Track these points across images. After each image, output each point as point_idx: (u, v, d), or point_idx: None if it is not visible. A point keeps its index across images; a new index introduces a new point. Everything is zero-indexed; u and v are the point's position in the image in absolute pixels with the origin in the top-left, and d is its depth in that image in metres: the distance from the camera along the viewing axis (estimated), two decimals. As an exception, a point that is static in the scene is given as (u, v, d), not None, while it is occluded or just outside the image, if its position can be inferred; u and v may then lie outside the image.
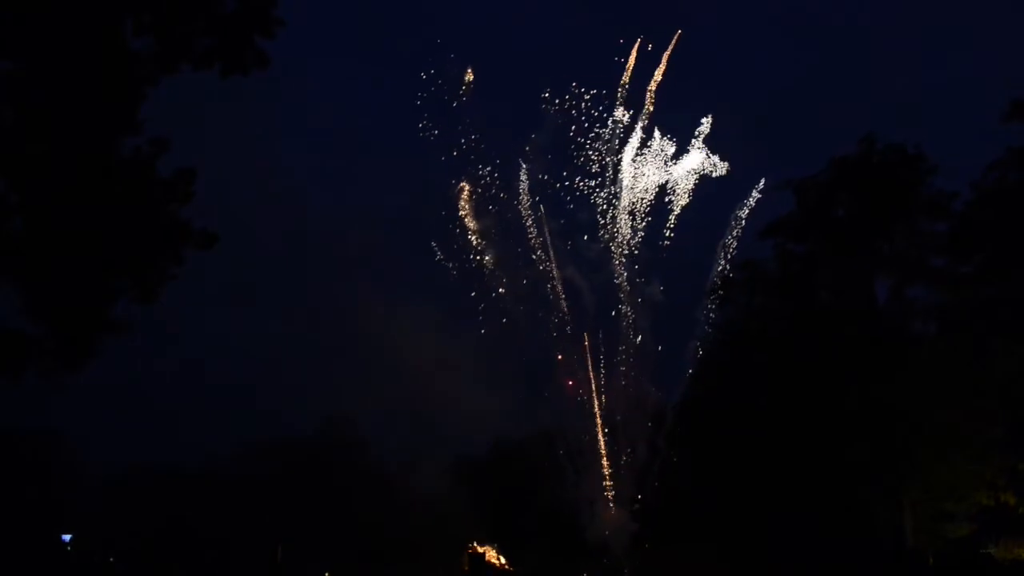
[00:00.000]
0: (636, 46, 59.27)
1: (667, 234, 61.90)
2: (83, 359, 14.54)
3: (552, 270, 65.19)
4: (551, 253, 65.23)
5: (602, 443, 66.01)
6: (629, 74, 58.76)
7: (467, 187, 62.95)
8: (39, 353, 14.31)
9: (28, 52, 12.60)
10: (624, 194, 61.67)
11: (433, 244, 63.49)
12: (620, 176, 61.48)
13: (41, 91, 12.89)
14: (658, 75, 58.12)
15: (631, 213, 62.01)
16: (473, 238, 64.27)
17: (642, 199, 61.78)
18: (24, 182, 13.23)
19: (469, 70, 60.83)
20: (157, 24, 12.48)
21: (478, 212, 65.40)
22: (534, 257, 65.63)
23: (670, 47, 59.16)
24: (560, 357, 64.99)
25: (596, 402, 65.79)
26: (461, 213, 63.37)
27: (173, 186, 13.24)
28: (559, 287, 64.87)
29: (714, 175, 58.08)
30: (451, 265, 66.68)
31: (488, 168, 63.54)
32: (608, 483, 65.27)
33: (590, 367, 65.24)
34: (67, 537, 62.18)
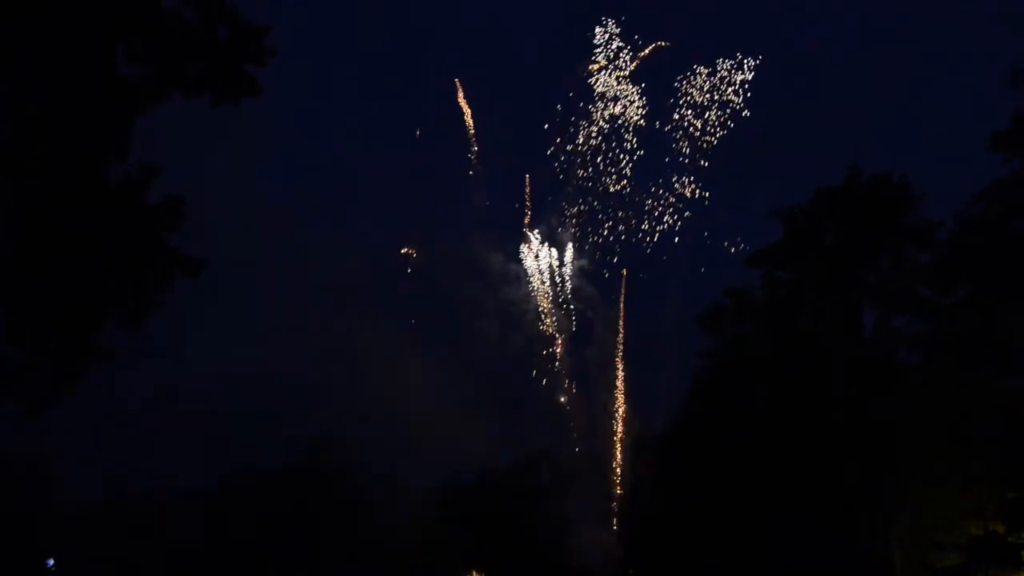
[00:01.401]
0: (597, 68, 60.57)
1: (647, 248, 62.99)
2: (68, 384, 14.41)
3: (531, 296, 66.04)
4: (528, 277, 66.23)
5: (588, 468, 65.92)
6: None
7: (412, 252, 66.00)
8: (23, 378, 14.17)
9: (19, 77, 12.63)
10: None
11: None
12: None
13: (31, 116, 12.90)
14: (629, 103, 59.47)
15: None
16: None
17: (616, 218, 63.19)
18: (11, 206, 13.19)
19: (418, 132, 64.01)
20: (149, 52, 12.56)
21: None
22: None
23: (643, 53, 60.47)
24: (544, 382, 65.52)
25: (582, 429, 65.93)
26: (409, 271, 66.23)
27: (162, 213, 13.24)
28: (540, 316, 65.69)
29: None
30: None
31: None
32: (595, 507, 65.07)
33: (571, 392, 65.58)
34: (51, 562, 61.36)
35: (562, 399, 65.88)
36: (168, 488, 67.25)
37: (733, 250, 58.07)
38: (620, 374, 65.00)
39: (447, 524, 66.45)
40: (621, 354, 64.99)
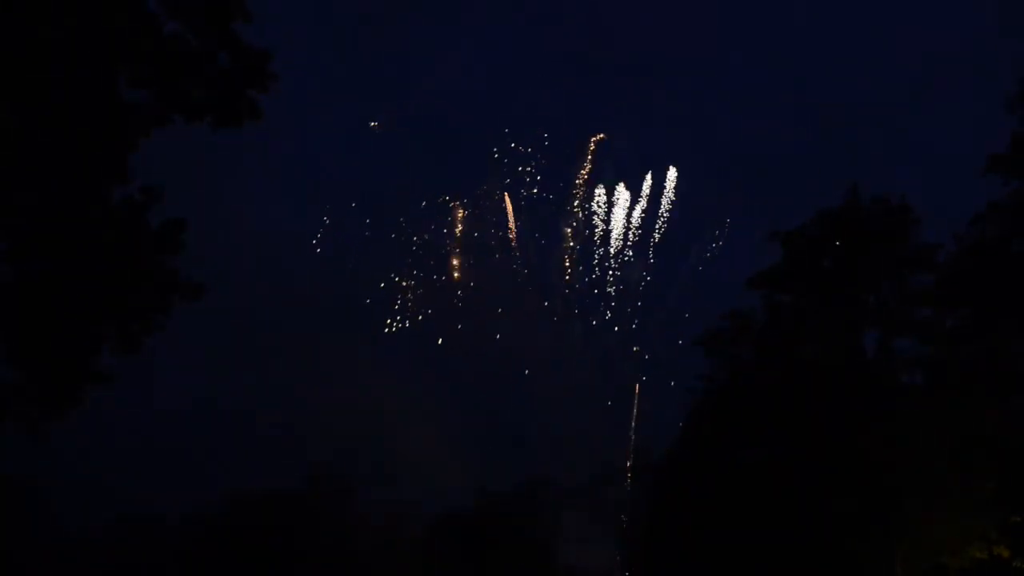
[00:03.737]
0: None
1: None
2: (65, 408, 14.36)
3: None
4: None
5: (592, 491, 65.66)
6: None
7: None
8: (20, 400, 14.14)
9: (22, 100, 12.71)
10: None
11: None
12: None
13: (33, 139, 12.98)
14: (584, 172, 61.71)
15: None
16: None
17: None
18: (12, 230, 13.23)
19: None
20: (151, 76, 12.65)
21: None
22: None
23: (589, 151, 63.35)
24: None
25: (587, 452, 65.80)
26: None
27: (163, 236, 13.27)
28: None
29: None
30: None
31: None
32: (597, 530, 64.70)
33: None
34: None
35: (567, 421, 65.94)
36: (165, 513, 66.94)
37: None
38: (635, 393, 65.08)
39: (449, 549, 66.05)
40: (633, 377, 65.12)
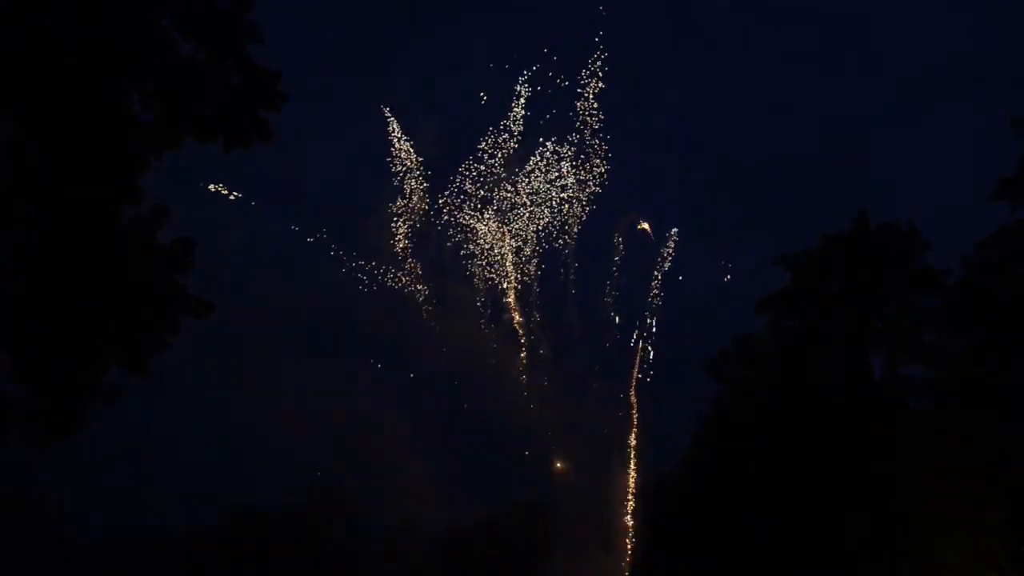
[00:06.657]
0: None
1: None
2: (71, 425, 14.33)
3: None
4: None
5: (591, 517, 65.25)
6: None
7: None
8: (25, 417, 14.11)
9: (32, 117, 12.79)
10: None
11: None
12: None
13: (42, 157, 13.04)
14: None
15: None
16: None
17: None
18: (20, 246, 13.26)
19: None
20: (164, 97, 12.73)
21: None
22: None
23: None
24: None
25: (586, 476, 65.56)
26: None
27: (172, 255, 13.30)
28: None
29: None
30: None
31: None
32: (597, 556, 64.16)
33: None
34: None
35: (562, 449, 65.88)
36: (166, 527, 66.78)
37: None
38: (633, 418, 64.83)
39: (448, 566, 65.84)
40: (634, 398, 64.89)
